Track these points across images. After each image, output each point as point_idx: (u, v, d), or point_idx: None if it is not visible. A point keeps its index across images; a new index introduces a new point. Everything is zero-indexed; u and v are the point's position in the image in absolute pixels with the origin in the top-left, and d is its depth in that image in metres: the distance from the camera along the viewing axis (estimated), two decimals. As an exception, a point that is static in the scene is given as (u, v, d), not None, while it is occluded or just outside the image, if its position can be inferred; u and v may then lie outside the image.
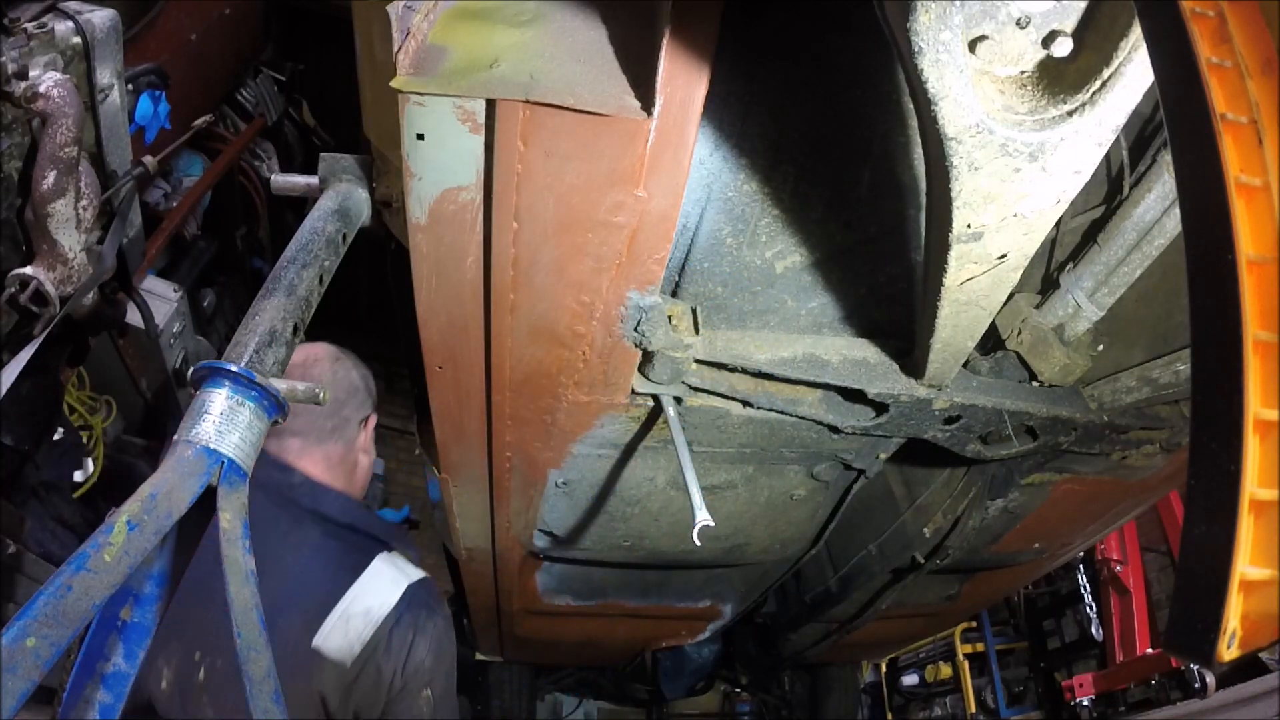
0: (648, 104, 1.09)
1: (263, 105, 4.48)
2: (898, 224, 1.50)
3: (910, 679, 7.78)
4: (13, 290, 2.16)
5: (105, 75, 2.26)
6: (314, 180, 1.61)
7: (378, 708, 1.64)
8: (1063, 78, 1.02)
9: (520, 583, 2.72)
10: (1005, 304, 1.54)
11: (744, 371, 1.61)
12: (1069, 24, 0.98)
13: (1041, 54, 1.01)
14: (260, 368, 1.16)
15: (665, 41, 1.05)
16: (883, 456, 1.99)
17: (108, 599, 0.89)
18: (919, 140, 1.31)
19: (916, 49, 0.92)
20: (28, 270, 2.18)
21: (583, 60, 1.12)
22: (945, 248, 1.21)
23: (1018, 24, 0.97)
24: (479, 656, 4.21)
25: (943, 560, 2.42)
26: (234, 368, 1.12)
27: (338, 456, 1.78)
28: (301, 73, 4.83)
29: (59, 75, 2.08)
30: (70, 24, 2.14)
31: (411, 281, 1.40)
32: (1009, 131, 1.03)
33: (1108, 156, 1.49)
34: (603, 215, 1.24)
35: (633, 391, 1.64)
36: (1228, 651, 0.57)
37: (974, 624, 7.19)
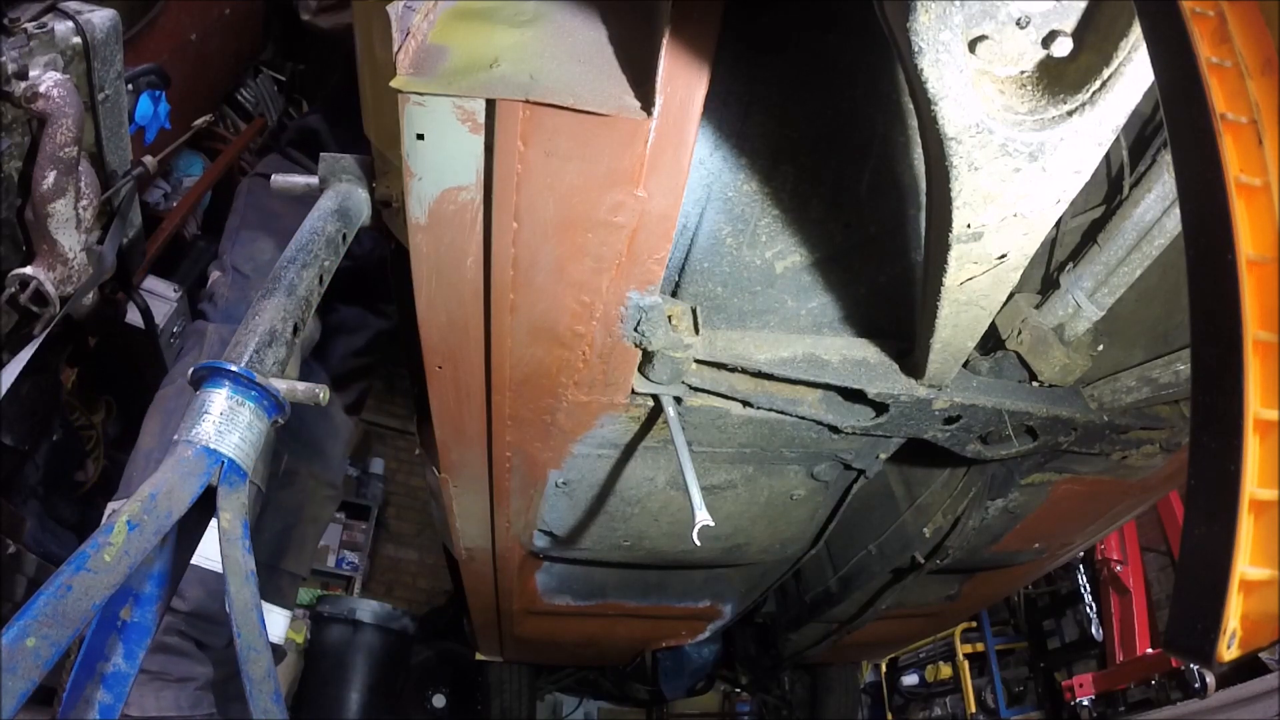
0: (648, 104, 1.09)
1: (263, 105, 4.47)
2: (898, 224, 1.50)
3: (910, 679, 7.78)
4: (13, 290, 2.16)
5: (105, 75, 2.26)
6: (314, 180, 1.61)
7: None
8: (1063, 78, 1.02)
9: (520, 583, 2.71)
10: (1005, 304, 1.54)
11: (744, 371, 1.61)
12: (1069, 24, 0.98)
13: (1041, 54, 1.01)
14: (260, 368, 1.17)
15: (665, 41, 1.05)
16: (883, 456, 1.99)
17: (108, 599, 0.90)
18: (919, 140, 1.31)
19: (916, 49, 0.92)
20: (28, 270, 2.18)
21: (583, 60, 1.12)
22: (945, 248, 1.21)
23: (1018, 24, 0.97)
24: (479, 656, 4.20)
25: (943, 560, 2.42)
26: (234, 368, 1.12)
27: None
28: (301, 73, 4.83)
29: (59, 75, 2.07)
30: (70, 24, 2.14)
31: (411, 281, 1.40)
32: (1009, 131, 1.03)
33: (1108, 156, 1.49)
34: (603, 215, 1.24)
35: (633, 391, 1.64)
36: (1228, 651, 0.57)
37: (974, 624, 7.19)
